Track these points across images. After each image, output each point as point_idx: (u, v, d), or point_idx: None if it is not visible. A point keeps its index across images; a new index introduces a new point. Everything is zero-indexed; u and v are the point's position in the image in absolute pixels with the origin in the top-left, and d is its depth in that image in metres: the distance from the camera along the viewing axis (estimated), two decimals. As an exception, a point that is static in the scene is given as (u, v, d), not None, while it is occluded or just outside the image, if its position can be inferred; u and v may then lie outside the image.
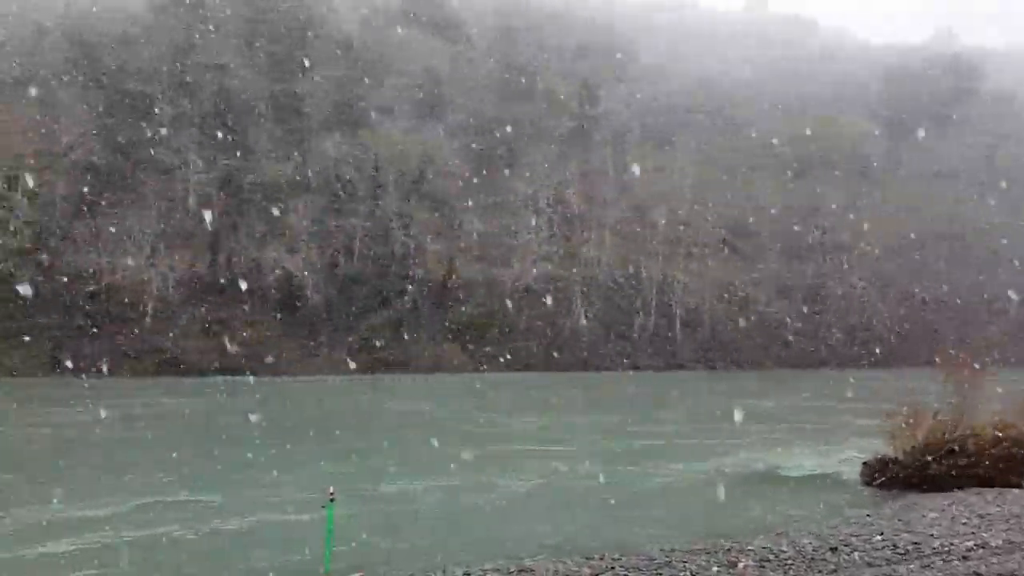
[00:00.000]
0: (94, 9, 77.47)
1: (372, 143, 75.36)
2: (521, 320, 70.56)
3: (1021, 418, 21.80)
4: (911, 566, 13.14)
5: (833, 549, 14.41)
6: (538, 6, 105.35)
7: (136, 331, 58.24)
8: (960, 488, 20.51)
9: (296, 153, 73.57)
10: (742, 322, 73.39)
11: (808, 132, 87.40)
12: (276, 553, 15.35)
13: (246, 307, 62.50)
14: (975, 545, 14.26)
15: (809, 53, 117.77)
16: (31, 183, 59.69)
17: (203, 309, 61.70)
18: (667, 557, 14.07)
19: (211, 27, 75.81)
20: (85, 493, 19.66)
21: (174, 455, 24.53)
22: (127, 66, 71.47)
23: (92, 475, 22.26)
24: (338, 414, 38.82)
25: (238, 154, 70.22)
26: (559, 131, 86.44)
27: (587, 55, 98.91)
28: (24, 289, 53.47)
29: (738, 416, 33.43)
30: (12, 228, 59.66)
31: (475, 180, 77.94)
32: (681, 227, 77.86)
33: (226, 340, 57.60)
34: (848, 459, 25.31)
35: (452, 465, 23.15)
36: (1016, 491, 19.91)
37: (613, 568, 13.47)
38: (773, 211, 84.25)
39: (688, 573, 13.05)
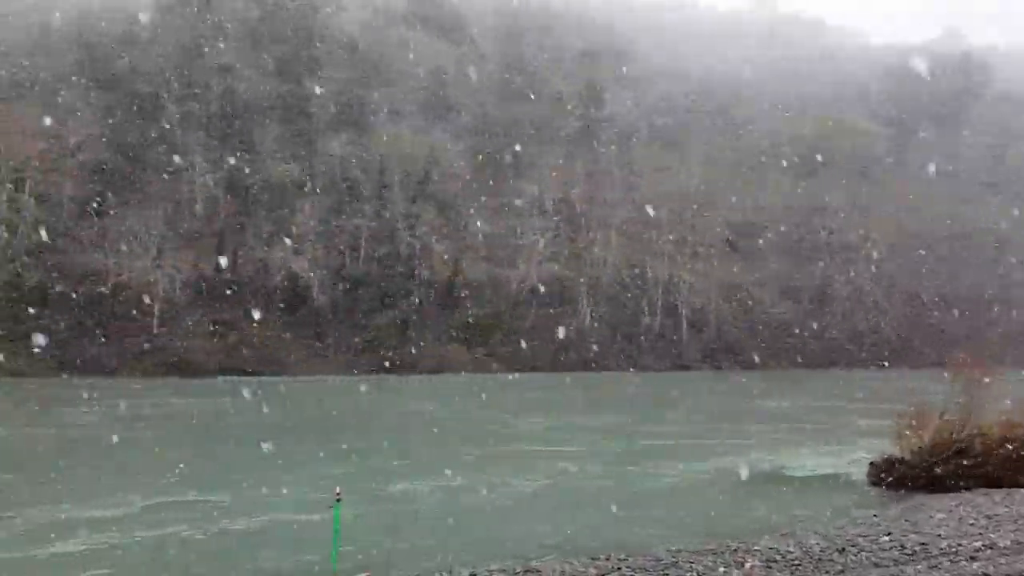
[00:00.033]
0: (101, 10, 77.66)
1: (378, 144, 75.49)
2: (527, 321, 70.59)
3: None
4: (918, 567, 13.14)
5: (840, 550, 14.41)
6: (542, 7, 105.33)
7: (143, 332, 58.38)
8: (967, 489, 20.49)
9: (302, 154, 73.71)
10: (748, 323, 73.32)
11: (814, 132, 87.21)
12: (284, 553, 15.42)
13: (252, 308, 62.60)
14: (983, 546, 14.25)
15: (815, 53, 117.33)
16: (38, 184, 59.91)
17: (209, 310, 61.84)
18: (674, 558, 14.09)
19: (218, 29, 75.99)
20: (94, 493, 19.75)
21: (181, 455, 24.61)
22: (134, 67, 71.69)
23: (100, 475, 22.34)
24: (344, 414, 38.88)
25: (245, 155, 70.39)
26: (564, 132, 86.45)
27: (592, 56, 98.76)
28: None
29: (743, 417, 33.42)
30: (20, 229, 59.86)
31: (480, 181, 78.02)
32: (687, 228, 77.79)
33: (232, 341, 57.75)
34: (855, 459, 25.24)
35: (458, 465, 23.18)
36: (1024, 492, 19.88)
37: (619, 569, 13.50)
38: (778, 211, 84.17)
39: (695, 573, 13.07)
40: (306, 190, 71.16)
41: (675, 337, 75.06)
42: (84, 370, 51.72)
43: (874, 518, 17.88)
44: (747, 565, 13.46)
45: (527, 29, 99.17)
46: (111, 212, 63.40)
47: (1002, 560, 13.22)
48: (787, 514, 18.88)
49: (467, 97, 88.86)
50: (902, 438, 22.53)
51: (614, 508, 19.36)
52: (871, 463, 23.26)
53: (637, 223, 79.45)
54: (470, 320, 69.30)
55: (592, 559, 14.25)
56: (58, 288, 57.07)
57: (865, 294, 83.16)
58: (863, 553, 14.17)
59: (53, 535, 16.17)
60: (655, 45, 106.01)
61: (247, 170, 69.59)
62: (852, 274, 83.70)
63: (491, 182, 78.42)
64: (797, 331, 77.76)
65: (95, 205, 63.64)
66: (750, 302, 78.66)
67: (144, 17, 75.95)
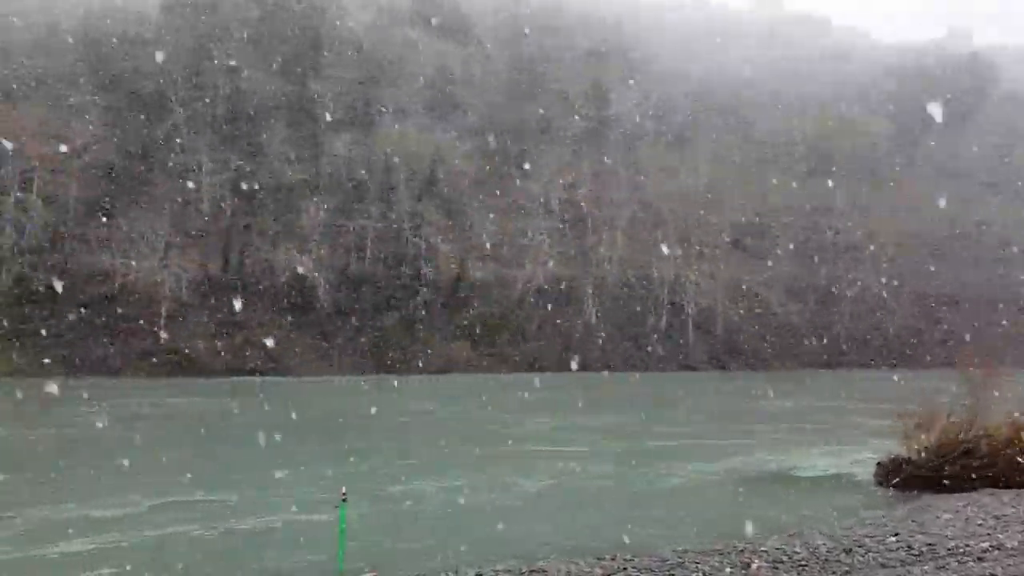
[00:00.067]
0: (107, 11, 77.85)
1: (383, 145, 75.50)
2: (532, 321, 70.57)
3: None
4: (925, 567, 13.07)
5: (847, 550, 14.34)
6: (548, 7, 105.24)
7: (149, 332, 58.50)
8: (975, 489, 20.39)
9: (308, 154, 73.79)
10: (754, 323, 73.14)
11: (820, 132, 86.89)
12: (290, 553, 15.42)
13: (258, 308, 62.74)
14: (990, 546, 14.17)
15: (821, 52, 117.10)
16: (45, 185, 60.09)
17: (216, 310, 61.95)
18: (680, 558, 14.04)
19: (224, 30, 76.10)
20: (99, 493, 19.77)
21: (185, 455, 24.65)
22: (140, 68, 71.83)
23: (106, 475, 22.34)
24: (349, 414, 38.88)
25: (251, 155, 70.51)
26: (570, 131, 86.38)
27: (598, 56, 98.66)
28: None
29: (749, 417, 33.33)
30: (27, 229, 60.07)
31: (486, 181, 78.04)
32: (693, 227, 77.67)
33: (238, 341, 57.80)
34: (861, 459, 25.15)
35: (464, 465, 23.18)
36: (1031, 492, 19.76)
37: (625, 569, 13.46)
38: (785, 211, 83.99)
39: (701, 574, 13.02)
40: (312, 190, 71.27)
41: (681, 338, 74.94)
42: (90, 370, 51.84)
43: (881, 518, 17.80)
44: (753, 565, 13.40)
45: (533, 29, 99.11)
46: (118, 212, 63.59)
47: (1010, 561, 13.15)
48: (794, 514, 18.80)
49: (473, 97, 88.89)
50: (909, 438, 22.45)
51: (619, 508, 19.33)
52: (878, 463, 23.17)
53: (643, 223, 79.42)
54: (476, 320, 69.31)
55: (597, 559, 14.21)
56: (64, 289, 57.19)
57: (872, 294, 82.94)
58: (870, 554, 14.10)
59: (58, 534, 16.18)
60: (662, 45, 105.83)
61: (253, 171, 69.76)
62: (859, 274, 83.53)
63: (497, 182, 78.45)
64: (804, 331, 77.63)
65: (102, 205, 63.81)
66: (756, 303, 78.48)
67: (150, 18, 76.25)
